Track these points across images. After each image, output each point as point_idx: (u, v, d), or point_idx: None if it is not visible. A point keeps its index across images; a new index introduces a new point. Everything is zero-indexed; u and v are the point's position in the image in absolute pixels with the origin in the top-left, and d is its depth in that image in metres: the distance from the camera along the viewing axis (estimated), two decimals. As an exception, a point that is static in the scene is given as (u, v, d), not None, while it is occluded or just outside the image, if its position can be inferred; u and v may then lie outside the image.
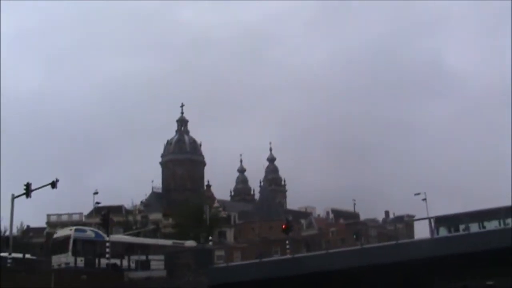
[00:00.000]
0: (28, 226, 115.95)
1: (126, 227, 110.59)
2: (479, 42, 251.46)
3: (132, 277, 45.69)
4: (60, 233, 55.40)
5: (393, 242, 48.46)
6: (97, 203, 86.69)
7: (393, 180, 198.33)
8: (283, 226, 60.64)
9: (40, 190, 51.04)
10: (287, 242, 60.09)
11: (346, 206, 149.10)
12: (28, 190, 50.31)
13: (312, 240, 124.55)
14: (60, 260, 47.99)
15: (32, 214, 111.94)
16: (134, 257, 51.14)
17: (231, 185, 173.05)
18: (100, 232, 52.61)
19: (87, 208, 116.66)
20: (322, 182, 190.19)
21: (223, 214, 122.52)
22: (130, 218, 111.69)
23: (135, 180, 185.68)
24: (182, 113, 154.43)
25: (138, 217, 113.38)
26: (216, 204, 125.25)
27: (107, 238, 50.82)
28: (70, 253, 48.46)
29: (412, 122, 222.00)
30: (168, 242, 61.51)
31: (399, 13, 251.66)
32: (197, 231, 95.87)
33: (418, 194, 76.53)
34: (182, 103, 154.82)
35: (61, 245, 50.42)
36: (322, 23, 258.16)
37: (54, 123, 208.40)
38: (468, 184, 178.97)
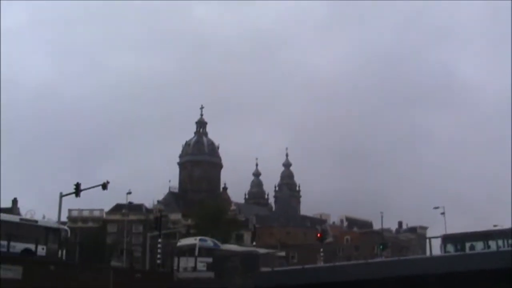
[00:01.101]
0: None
1: (146, 225, 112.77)
2: (488, 54, 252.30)
3: (182, 277, 47.32)
4: (184, 241, 58.26)
5: (425, 256, 49.62)
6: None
7: (403, 189, 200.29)
8: (318, 235, 62.38)
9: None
10: (321, 250, 61.12)
11: (358, 213, 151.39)
12: (77, 190, 52.01)
13: (326, 247, 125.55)
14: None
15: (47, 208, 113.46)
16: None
17: (246, 188, 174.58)
18: (217, 242, 55.00)
19: (98, 204, 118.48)
20: (335, 189, 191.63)
21: (241, 217, 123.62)
22: (150, 216, 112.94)
23: (146, 179, 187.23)
24: (201, 115, 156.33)
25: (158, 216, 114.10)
26: (233, 207, 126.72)
27: (222, 247, 53.50)
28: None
29: (421, 132, 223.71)
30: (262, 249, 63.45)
31: (408, 23, 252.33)
32: (215, 232, 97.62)
33: (437, 208, 78.51)
34: (201, 105, 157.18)
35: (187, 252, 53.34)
36: (332, 29, 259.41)
37: (62, 119, 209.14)
38: (475, 196, 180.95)
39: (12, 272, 36.60)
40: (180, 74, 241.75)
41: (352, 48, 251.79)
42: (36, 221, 44.43)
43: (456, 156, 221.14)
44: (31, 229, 42.70)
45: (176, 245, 58.85)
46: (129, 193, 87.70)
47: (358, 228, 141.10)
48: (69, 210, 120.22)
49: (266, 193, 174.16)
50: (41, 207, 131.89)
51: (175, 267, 52.03)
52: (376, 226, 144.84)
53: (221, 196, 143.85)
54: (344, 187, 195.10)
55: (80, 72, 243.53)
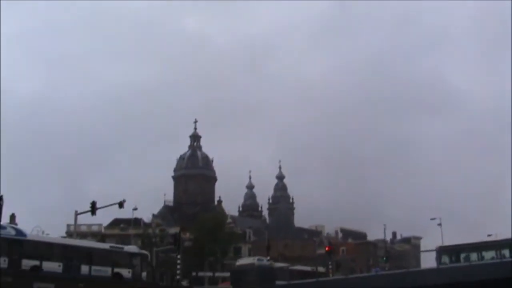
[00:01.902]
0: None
1: (144, 240, 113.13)
2: (479, 61, 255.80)
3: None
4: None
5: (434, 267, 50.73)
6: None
7: (395, 198, 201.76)
8: (327, 249, 63.04)
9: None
10: (329, 263, 62.02)
11: (351, 224, 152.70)
12: (93, 208, 53.18)
13: (322, 258, 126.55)
14: None
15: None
16: None
17: (239, 200, 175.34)
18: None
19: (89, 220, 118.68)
20: (327, 200, 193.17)
21: (238, 230, 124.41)
22: (149, 231, 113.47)
23: (140, 192, 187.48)
24: (195, 128, 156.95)
25: (157, 231, 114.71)
26: (229, 220, 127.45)
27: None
28: None
29: (412, 139, 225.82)
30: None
31: (400, 30, 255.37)
32: (213, 246, 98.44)
33: (434, 219, 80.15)
34: (195, 119, 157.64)
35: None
36: (323, 37, 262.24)
37: (54, 127, 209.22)
38: (467, 204, 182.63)
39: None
40: (172, 84, 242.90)
41: (343, 55, 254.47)
42: (122, 248, 49.29)
43: (448, 163, 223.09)
44: (118, 255, 47.36)
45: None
46: (135, 209, 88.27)
47: (353, 239, 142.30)
48: (68, 225, 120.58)
49: (260, 205, 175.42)
50: (32, 220, 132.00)
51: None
52: (370, 237, 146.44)
53: (216, 209, 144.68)
54: (337, 198, 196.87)
55: (72, 81, 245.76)
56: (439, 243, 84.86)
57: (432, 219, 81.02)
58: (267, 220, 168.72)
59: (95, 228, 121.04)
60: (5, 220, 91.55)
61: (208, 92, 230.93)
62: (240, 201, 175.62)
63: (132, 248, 50.14)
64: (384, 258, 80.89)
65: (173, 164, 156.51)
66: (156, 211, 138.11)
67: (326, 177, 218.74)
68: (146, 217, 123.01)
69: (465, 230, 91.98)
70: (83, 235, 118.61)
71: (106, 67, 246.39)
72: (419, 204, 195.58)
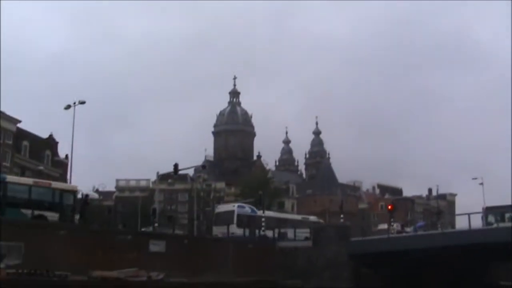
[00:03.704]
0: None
1: (191, 194, 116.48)
2: (504, 12, 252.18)
3: (282, 246, 51.37)
4: (222, 208, 62.43)
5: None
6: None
7: (426, 153, 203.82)
8: (389, 207, 65.15)
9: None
10: (392, 220, 64.33)
11: (384, 179, 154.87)
12: (176, 169, 56.44)
13: (362, 213, 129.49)
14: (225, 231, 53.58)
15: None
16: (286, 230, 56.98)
17: (276, 155, 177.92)
18: (254, 208, 57.84)
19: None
20: (362, 156, 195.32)
21: (281, 185, 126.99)
22: (195, 185, 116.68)
23: (179, 148, 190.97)
24: (234, 85, 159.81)
25: (203, 185, 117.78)
26: (269, 175, 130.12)
27: (259, 213, 56.25)
28: (235, 225, 54.13)
29: (443, 94, 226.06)
30: (312, 217, 67.01)
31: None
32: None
33: (475, 178, 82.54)
34: (234, 76, 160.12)
35: (225, 218, 56.16)
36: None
37: (82, 86, 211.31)
38: (493, 159, 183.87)
39: (158, 246, 40.69)
40: (209, 41, 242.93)
41: (366, 12, 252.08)
42: None
43: (478, 119, 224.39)
44: None
45: (215, 212, 62.88)
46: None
47: (390, 195, 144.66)
48: (117, 180, 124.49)
49: (296, 160, 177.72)
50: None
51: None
52: (406, 193, 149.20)
53: (256, 164, 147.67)
54: (370, 154, 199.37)
55: (102, 37, 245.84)
56: (473, 199, 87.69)
57: (473, 178, 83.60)
58: (304, 175, 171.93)
59: (143, 183, 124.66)
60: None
61: (245, 49, 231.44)
62: (277, 156, 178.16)
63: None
64: (436, 215, 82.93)
65: (212, 120, 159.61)
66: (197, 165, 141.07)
67: (359, 134, 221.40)
68: (190, 172, 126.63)
69: (496, 188, 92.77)
70: (132, 190, 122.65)
71: (143, 22, 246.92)
72: (449, 160, 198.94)
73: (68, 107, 55.42)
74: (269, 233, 54.21)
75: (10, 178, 40.99)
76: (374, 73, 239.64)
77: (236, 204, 60.84)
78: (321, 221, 67.04)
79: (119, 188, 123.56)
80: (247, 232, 53.59)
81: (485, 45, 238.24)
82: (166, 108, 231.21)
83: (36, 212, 38.46)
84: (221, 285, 40.76)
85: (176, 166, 56.31)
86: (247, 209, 57.99)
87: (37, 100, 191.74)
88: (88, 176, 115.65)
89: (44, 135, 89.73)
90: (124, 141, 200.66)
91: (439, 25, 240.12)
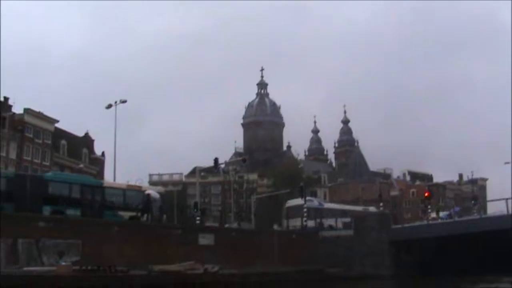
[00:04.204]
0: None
1: (224, 187, 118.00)
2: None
3: (325, 235, 52.70)
4: (292, 202, 64.78)
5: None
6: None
7: (454, 138, 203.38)
8: (426, 194, 65.81)
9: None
10: (429, 206, 64.82)
11: (414, 165, 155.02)
12: (216, 163, 57.81)
13: (393, 201, 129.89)
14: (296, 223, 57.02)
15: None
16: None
17: (305, 145, 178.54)
18: (321, 201, 60.27)
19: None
20: (390, 143, 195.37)
21: (312, 175, 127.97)
22: (227, 178, 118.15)
23: (206, 141, 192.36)
24: (262, 76, 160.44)
25: (236, 177, 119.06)
26: (301, 165, 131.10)
27: (326, 206, 58.72)
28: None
29: (467, 77, 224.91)
30: (372, 208, 69.02)
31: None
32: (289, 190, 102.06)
33: (508, 163, 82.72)
34: (262, 67, 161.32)
35: (295, 212, 59.69)
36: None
37: (104, 81, 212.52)
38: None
39: (207, 240, 42.06)
40: (235, 34, 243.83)
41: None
42: None
43: (504, 102, 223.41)
44: None
45: (285, 206, 65.54)
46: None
47: (420, 181, 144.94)
48: (150, 175, 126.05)
49: (325, 149, 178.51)
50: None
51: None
52: (436, 179, 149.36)
53: (286, 155, 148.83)
54: (399, 141, 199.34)
55: (124, 32, 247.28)
56: (505, 184, 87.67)
57: (506, 163, 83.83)
58: (334, 164, 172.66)
59: (176, 177, 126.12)
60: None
61: (271, 39, 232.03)
62: (306, 145, 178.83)
63: None
64: (473, 202, 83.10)
65: (241, 112, 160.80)
66: (227, 159, 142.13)
67: (386, 120, 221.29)
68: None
69: None
70: (164, 184, 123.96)
71: (165, 15, 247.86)
72: (478, 144, 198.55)
73: (109, 106, 56.89)
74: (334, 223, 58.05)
75: (106, 183, 44.66)
76: (399, 59, 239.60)
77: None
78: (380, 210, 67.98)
79: (152, 183, 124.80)
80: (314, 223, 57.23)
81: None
82: (194, 102, 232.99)
83: (130, 214, 41.61)
84: (269, 275, 41.91)
85: (216, 160, 57.51)
86: (315, 202, 60.56)
87: (60, 97, 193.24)
88: (121, 172, 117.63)
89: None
90: (151, 136, 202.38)
91: (463, 8, 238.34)
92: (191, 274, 34.06)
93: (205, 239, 42.29)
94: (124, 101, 56.82)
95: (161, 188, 52.29)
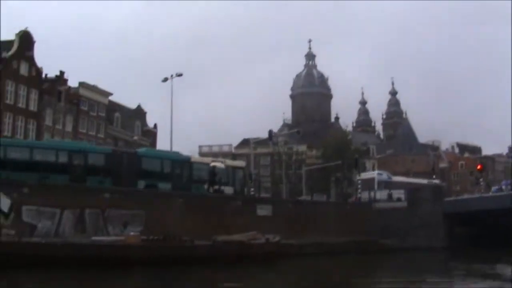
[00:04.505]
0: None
1: (273, 158, 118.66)
2: None
3: (379, 208, 53.42)
4: (365, 176, 67.38)
5: None
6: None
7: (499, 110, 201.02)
8: (479, 167, 65.78)
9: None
10: (481, 179, 64.98)
11: (462, 138, 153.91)
12: (270, 135, 58.81)
13: (442, 173, 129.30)
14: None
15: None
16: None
17: (352, 116, 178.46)
18: (390, 175, 62.26)
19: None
20: (438, 115, 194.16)
21: (360, 146, 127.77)
22: (276, 149, 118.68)
23: (254, 110, 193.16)
24: (309, 48, 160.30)
25: (285, 149, 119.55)
26: (349, 137, 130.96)
27: (394, 179, 59.99)
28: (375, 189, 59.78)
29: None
30: (436, 181, 70.13)
31: None
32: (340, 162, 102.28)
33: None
34: (309, 39, 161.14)
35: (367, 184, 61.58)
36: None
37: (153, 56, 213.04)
38: None
39: (265, 211, 43.06)
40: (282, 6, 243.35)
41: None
42: None
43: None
44: None
45: (357, 178, 65.55)
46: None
47: (469, 154, 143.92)
48: (199, 147, 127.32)
49: (373, 121, 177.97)
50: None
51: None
52: (485, 151, 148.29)
53: (334, 126, 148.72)
54: (447, 113, 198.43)
55: (176, 5, 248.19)
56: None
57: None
58: (381, 136, 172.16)
59: (225, 149, 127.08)
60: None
61: (319, 10, 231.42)
62: (353, 117, 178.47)
63: None
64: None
65: (289, 84, 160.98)
66: (275, 130, 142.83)
67: (434, 92, 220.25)
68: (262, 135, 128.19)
69: None
70: (214, 155, 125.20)
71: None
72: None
73: (165, 79, 57.84)
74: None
75: (193, 158, 47.11)
76: (447, 31, 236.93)
77: (376, 172, 66.75)
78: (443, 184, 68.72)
79: (202, 155, 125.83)
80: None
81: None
82: (243, 74, 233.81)
83: (215, 187, 43.99)
84: (326, 245, 42.79)
85: (270, 132, 58.51)
86: (384, 175, 61.93)
87: (112, 71, 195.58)
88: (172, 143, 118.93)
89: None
90: (200, 108, 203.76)
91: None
92: (254, 244, 35.01)
93: (263, 210, 43.36)
94: (180, 75, 57.70)
95: (242, 163, 54.31)
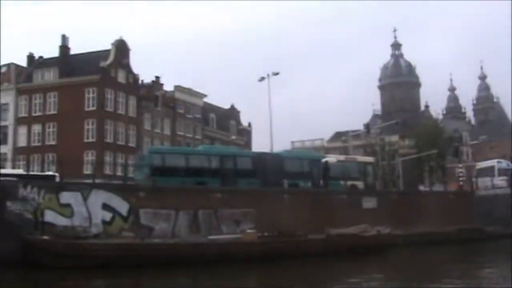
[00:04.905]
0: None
1: (366, 150, 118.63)
2: None
3: (482, 195, 53.64)
4: (483, 164, 66.43)
5: None
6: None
7: None
8: None
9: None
10: None
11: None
12: (368, 128, 59.34)
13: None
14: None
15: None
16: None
17: (441, 104, 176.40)
18: (510, 163, 62.70)
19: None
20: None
21: (453, 133, 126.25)
22: (370, 141, 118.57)
23: (342, 103, 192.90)
24: (395, 37, 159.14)
25: (377, 140, 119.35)
26: (441, 124, 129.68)
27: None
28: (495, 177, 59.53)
29: None
30: None
31: None
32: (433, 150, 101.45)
33: None
34: (394, 28, 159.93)
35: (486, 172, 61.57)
36: None
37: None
38: None
39: (371, 203, 43.89)
40: None
41: None
42: None
43: None
44: None
45: (477, 168, 65.88)
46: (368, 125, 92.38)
47: None
48: (292, 142, 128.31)
49: (463, 107, 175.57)
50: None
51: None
52: None
53: (424, 115, 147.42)
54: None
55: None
56: None
57: None
58: (472, 121, 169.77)
59: (318, 143, 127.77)
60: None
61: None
62: (443, 104, 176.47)
63: None
64: None
65: (376, 75, 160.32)
66: (365, 121, 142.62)
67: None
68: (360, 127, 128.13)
69: None
70: (307, 150, 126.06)
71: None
72: None
73: (262, 79, 59.08)
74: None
75: (327, 157, 49.49)
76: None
77: (496, 160, 65.19)
78: None
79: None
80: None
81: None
82: (330, 68, 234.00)
83: (350, 182, 46.99)
84: (432, 235, 43.24)
85: (368, 125, 59.35)
86: (504, 164, 62.46)
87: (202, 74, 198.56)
88: (264, 141, 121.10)
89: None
90: (290, 104, 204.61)
91: None
92: (366, 236, 35.96)
93: (368, 203, 44.21)
94: (276, 74, 58.84)
95: (371, 158, 56.97)
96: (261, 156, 45.22)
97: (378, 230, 37.00)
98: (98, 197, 34.70)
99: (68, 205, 33.80)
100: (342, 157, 51.50)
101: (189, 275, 27.76)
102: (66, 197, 33.86)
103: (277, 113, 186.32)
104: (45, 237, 30.28)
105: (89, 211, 34.18)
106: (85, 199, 34.28)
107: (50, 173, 44.90)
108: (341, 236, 35.29)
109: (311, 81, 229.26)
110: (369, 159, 54.34)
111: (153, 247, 30.97)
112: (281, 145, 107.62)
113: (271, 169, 43.40)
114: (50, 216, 32.96)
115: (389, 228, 37.83)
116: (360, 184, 47.93)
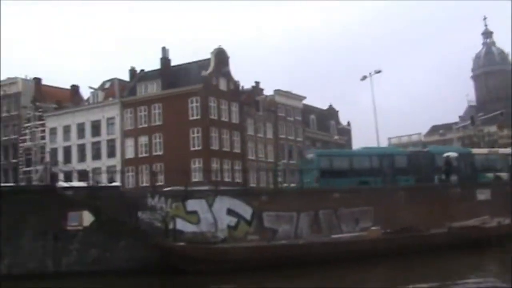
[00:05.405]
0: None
1: (464, 142, 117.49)
2: None
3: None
4: None
5: None
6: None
7: None
8: None
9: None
10: None
11: None
12: (472, 120, 59.46)
13: None
14: None
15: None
16: None
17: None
18: None
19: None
20: None
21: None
22: (468, 133, 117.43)
23: (434, 96, 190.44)
24: (485, 25, 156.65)
25: (476, 131, 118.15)
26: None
27: None
28: None
29: None
30: None
31: None
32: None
33: None
34: (484, 16, 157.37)
35: None
36: None
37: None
38: None
39: (484, 195, 44.12)
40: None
41: None
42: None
43: None
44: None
45: None
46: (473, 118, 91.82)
47: None
48: (389, 139, 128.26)
49: None
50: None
51: None
52: None
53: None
54: None
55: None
56: None
57: None
58: None
59: (415, 138, 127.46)
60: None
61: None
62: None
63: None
64: None
65: (468, 65, 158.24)
66: (461, 113, 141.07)
67: None
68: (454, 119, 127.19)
69: None
70: (404, 146, 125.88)
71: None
72: None
73: (364, 78, 60.14)
74: None
75: (474, 150, 51.77)
76: None
77: None
78: None
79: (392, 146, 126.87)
80: None
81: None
82: (420, 61, 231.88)
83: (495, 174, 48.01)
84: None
85: (472, 117, 59.36)
86: None
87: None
88: (362, 138, 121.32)
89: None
90: (383, 100, 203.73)
91: None
92: (488, 228, 36.42)
93: (482, 195, 44.33)
94: (378, 72, 59.85)
95: (508, 150, 55.71)
96: (415, 154, 47.85)
97: (499, 221, 37.36)
98: (222, 203, 36.46)
99: (194, 212, 35.71)
100: (485, 151, 53.24)
101: (333, 273, 28.73)
102: (192, 204, 35.84)
103: (367, 111, 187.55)
104: (182, 244, 31.94)
105: (214, 217, 35.94)
106: (210, 205, 36.09)
107: (115, 184, 47.66)
108: (464, 229, 35.88)
109: (396, 76, 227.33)
110: (508, 150, 54.09)
111: (286, 248, 32.42)
112: (374, 142, 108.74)
113: (424, 166, 45.56)
114: (178, 224, 34.88)
115: (509, 219, 38.06)
116: (503, 176, 48.31)
